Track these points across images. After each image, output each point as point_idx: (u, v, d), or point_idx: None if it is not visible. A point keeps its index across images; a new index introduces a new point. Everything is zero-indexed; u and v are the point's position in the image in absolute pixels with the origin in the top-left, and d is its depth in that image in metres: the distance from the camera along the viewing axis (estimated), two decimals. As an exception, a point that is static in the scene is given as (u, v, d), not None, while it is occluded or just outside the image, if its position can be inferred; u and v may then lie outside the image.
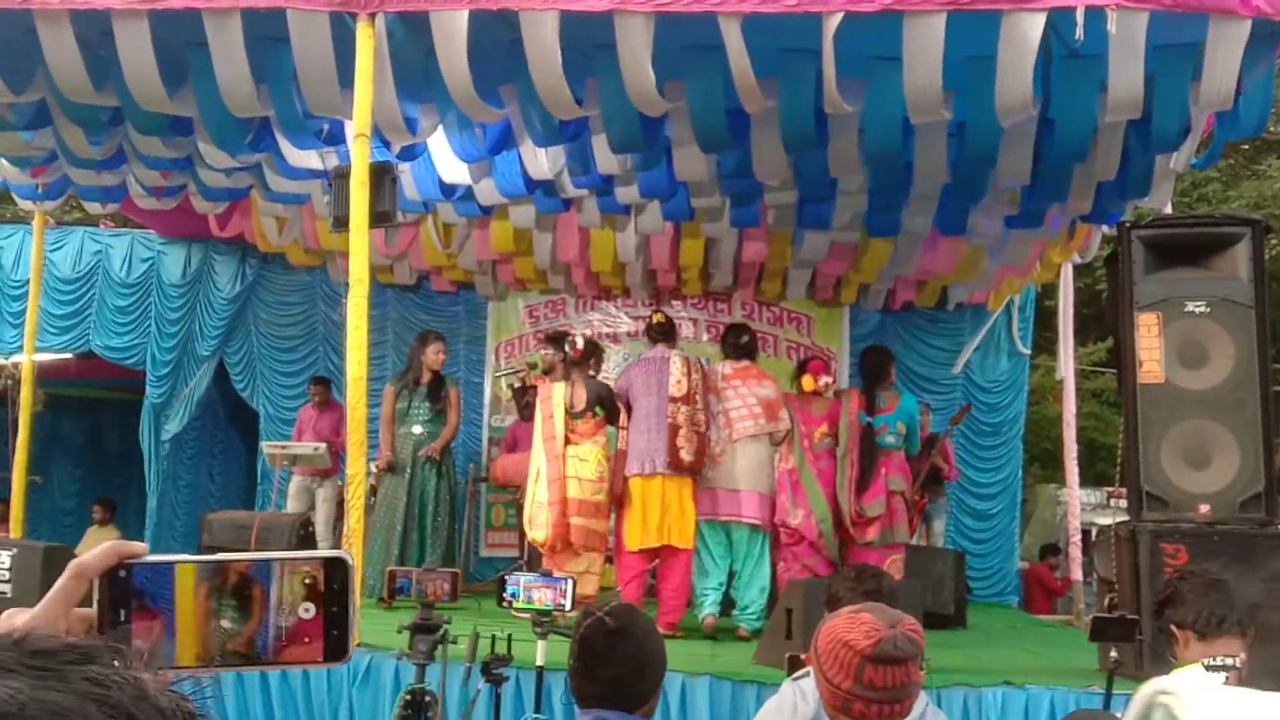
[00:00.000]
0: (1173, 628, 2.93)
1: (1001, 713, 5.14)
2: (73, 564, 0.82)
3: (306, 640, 0.84)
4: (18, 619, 0.80)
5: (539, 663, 4.05)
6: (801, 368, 7.52)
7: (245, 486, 11.23)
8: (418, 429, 8.11)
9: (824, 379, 7.28)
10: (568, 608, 3.54)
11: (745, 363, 6.97)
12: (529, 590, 3.52)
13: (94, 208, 8.68)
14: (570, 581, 3.56)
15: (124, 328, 10.35)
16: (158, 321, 10.26)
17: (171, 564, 0.84)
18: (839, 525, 7.01)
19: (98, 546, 0.84)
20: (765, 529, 6.73)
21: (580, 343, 6.83)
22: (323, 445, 8.67)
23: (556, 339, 7.74)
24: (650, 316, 7.17)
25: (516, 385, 7.66)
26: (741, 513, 6.65)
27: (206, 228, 9.43)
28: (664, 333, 6.88)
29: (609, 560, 7.06)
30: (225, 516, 7.85)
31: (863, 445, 7.16)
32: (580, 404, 6.64)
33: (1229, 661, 2.73)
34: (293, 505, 8.89)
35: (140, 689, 0.60)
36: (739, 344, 7.03)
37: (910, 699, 2.30)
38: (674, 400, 6.51)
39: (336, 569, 0.85)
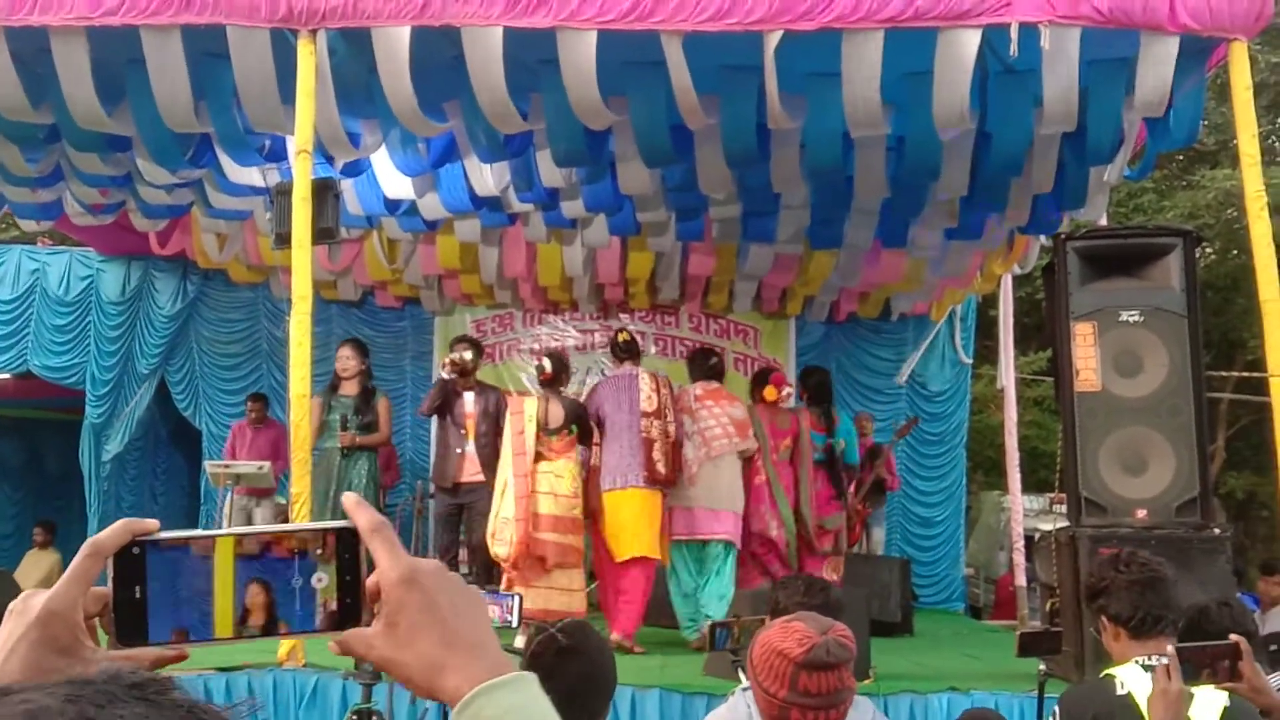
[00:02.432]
0: (1104, 619, 2.85)
1: (947, 718, 5.20)
2: (87, 543, 0.83)
3: (322, 609, 0.86)
4: (35, 599, 0.81)
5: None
6: (762, 379, 7.61)
7: (188, 507, 11.07)
8: (339, 443, 7.76)
9: (785, 389, 7.48)
10: (514, 624, 3.54)
11: (715, 384, 7.14)
12: (476, 607, 3.53)
13: (30, 225, 8.55)
14: (517, 598, 3.56)
15: (62, 347, 10.17)
16: (97, 340, 10.10)
17: (184, 539, 0.85)
18: (800, 535, 7.20)
19: (112, 525, 0.85)
20: (736, 545, 6.87)
21: (548, 365, 6.81)
22: (267, 464, 8.53)
23: (473, 342, 7.76)
24: (615, 335, 7.25)
25: (448, 377, 7.57)
26: (720, 531, 6.78)
27: (146, 245, 9.31)
28: (629, 350, 7.01)
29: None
30: (168, 538, 7.71)
31: (833, 463, 7.51)
32: (556, 421, 6.62)
33: (1165, 661, 2.71)
34: (230, 526, 8.69)
35: (214, 713, 0.66)
36: (709, 366, 7.21)
37: (844, 704, 2.35)
38: (646, 415, 6.62)
39: (346, 538, 0.88)
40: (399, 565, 0.84)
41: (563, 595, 6.48)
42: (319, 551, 0.87)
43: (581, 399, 7.20)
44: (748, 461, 7.09)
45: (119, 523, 0.85)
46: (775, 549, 7.08)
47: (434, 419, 9.12)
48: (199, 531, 0.87)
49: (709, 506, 6.78)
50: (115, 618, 0.84)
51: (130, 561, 0.84)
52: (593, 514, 6.64)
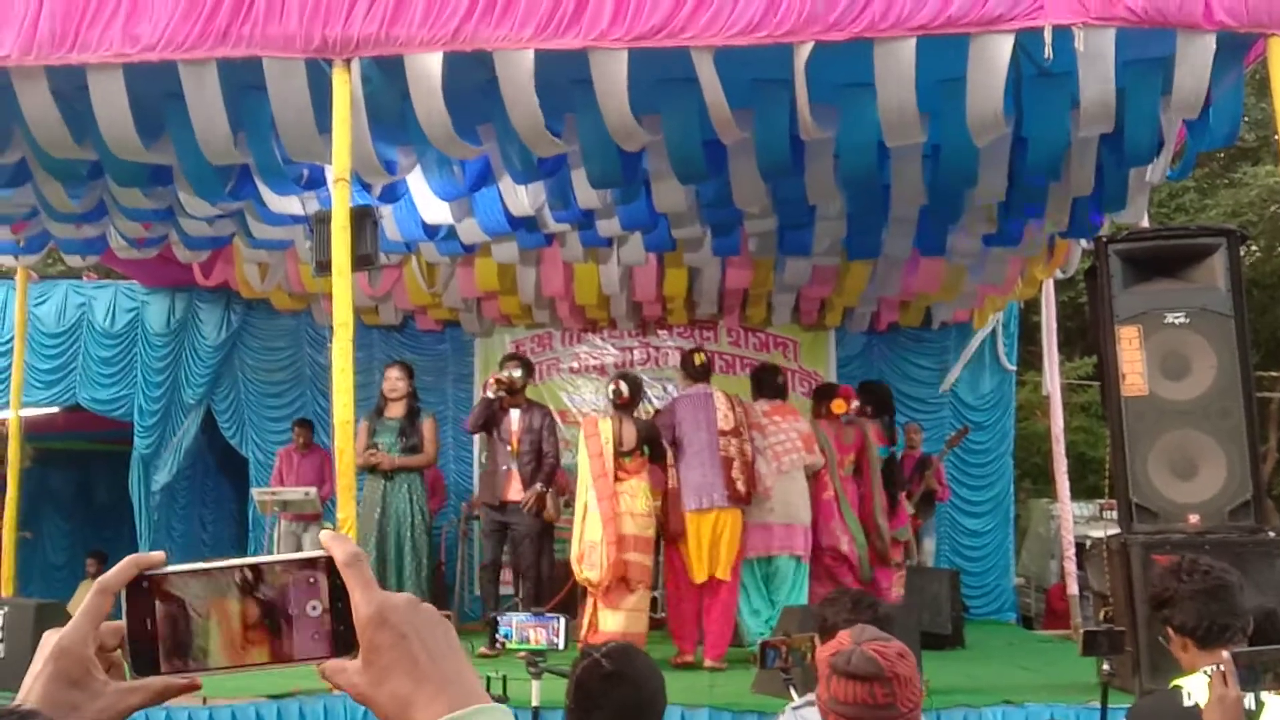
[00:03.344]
0: (1170, 630, 2.79)
1: (1002, 731, 5.13)
2: (97, 581, 0.87)
3: (316, 637, 0.88)
4: (53, 636, 0.87)
5: (534, 703, 4.03)
6: (828, 393, 7.82)
7: (237, 535, 11.17)
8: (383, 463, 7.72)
9: (854, 403, 7.67)
10: (560, 646, 3.53)
11: (778, 401, 7.32)
12: (522, 630, 3.52)
13: (76, 260, 8.69)
14: (562, 620, 3.56)
15: (110, 379, 10.31)
16: (143, 372, 10.23)
17: (186, 572, 0.88)
18: (870, 547, 7.38)
19: (119, 563, 0.88)
20: (807, 561, 7.01)
21: (625, 390, 6.87)
22: (313, 490, 8.59)
23: (523, 360, 7.79)
24: (691, 355, 7.30)
25: (492, 396, 7.56)
26: (793, 545, 6.94)
27: (190, 276, 9.43)
28: (705, 372, 7.13)
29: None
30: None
31: (891, 475, 7.82)
32: (630, 442, 6.70)
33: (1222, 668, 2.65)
34: (279, 552, 8.70)
35: None
36: (777, 385, 7.41)
37: None
38: (724, 434, 6.74)
39: (336, 567, 0.89)
40: (371, 604, 0.86)
41: (640, 618, 6.55)
42: (312, 580, 0.88)
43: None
44: (814, 477, 7.17)
45: (126, 559, 0.88)
46: (847, 561, 7.21)
47: (478, 439, 9.18)
48: (200, 564, 0.89)
49: (784, 521, 6.93)
50: (130, 649, 0.87)
51: (141, 595, 0.87)
52: (675, 535, 6.68)
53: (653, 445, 6.80)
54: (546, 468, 7.41)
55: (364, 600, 0.86)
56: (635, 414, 7.00)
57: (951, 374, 10.29)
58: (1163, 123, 5.86)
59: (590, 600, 6.64)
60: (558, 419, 9.74)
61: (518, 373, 7.52)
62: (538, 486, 7.33)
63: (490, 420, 7.54)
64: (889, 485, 7.79)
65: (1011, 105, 5.51)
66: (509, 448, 7.45)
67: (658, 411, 7.74)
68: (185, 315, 10.29)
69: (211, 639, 0.87)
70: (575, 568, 6.64)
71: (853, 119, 5.76)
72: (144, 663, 0.87)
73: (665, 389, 9.90)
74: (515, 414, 7.52)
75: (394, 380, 7.96)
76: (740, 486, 6.66)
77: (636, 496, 6.63)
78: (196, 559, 0.90)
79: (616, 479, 6.62)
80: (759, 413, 7.12)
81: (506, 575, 7.93)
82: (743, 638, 6.86)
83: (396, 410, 7.90)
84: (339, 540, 0.89)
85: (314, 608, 0.88)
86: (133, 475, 10.21)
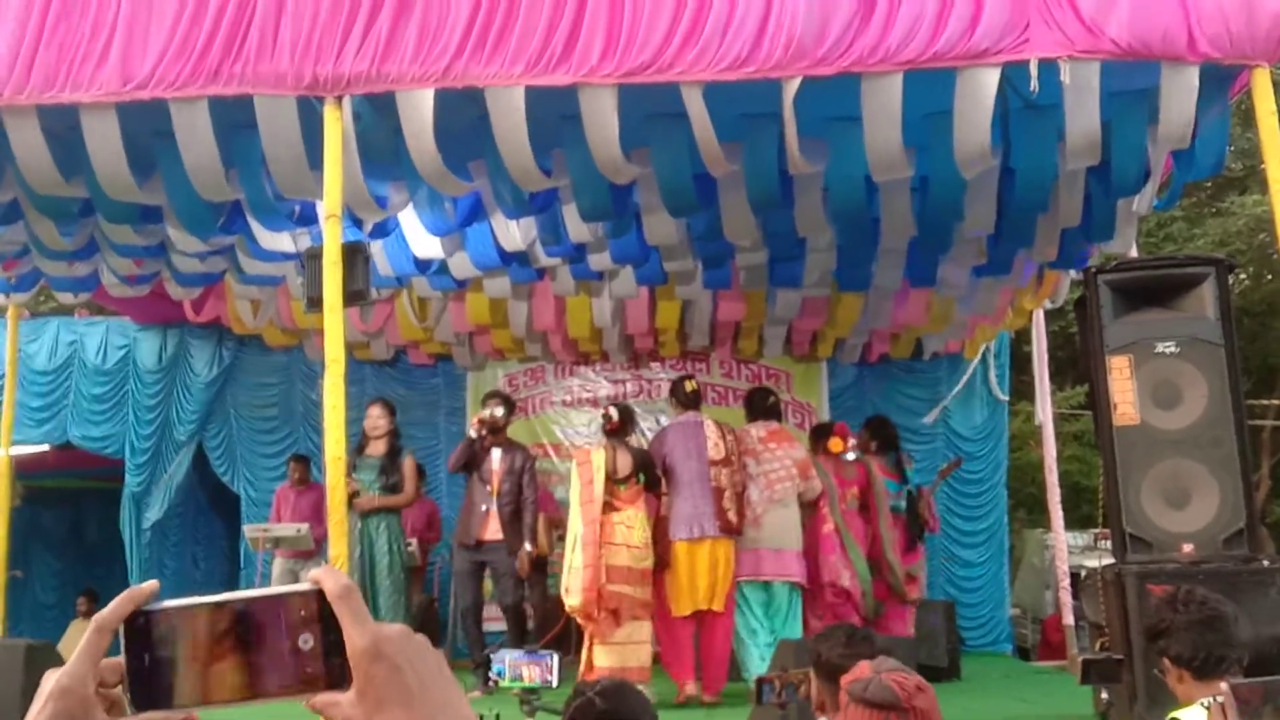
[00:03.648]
0: (1166, 661, 2.80)
1: (999, 765, 5.10)
2: (95, 618, 0.87)
3: (310, 670, 0.87)
4: (53, 676, 0.86)
5: (529, 740, 4.00)
6: (825, 432, 7.87)
7: (229, 572, 11.11)
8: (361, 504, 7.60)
9: (851, 440, 7.71)
10: (554, 684, 3.51)
11: (775, 425, 7.26)
12: (516, 668, 3.50)
13: (68, 297, 8.69)
14: (555, 657, 3.54)
15: (101, 416, 10.29)
16: (135, 409, 10.20)
17: (181, 607, 0.88)
18: (883, 584, 7.39)
19: (116, 598, 0.88)
20: (802, 586, 6.95)
21: (615, 415, 6.84)
22: (305, 526, 8.54)
23: (505, 398, 7.76)
24: (683, 384, 7.28)
25: (474, 436, 7.49)
26: (788, 572, 6.87)
27: (182, 313, 9.43)
28: (695, 400, 7.13)
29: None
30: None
31: (911, 510, 7.88)
32: (625, 470, 6.65)
33: (1220, 699, 2.64)
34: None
35: None
36: (768, 406, 7.33)
37: None
38: (714, 463, 6.71)
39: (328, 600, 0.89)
40: (364, 635, 0.86)
41: (637, 650, 6.48)
42: (304, 613, 0.88)
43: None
44: (813, 508, 7.11)
45: (122, 595, 0.88)
46: (850, 598, 7.14)
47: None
48: (195, 599, 0.89)
49: (774, 547, 6.86)
50: (129, 686, 0.87)
51: (138, 631, 0.87)
52: (661, 564, 6.63)
53: (647, 472, 6.77)
54: (529, 517, 7.34)
55: (358, 632, 0.86)
56: (629, 442, 6.97)
57: (936, 409, 10.30)
58: (1149, 153, 5.90)
59: (587, 638, 6.60)
60: (551, 451, 9.72)
61: (500, 410, 7.48)
62: (527, 548, 7.26)
63: (471, 460, 7.49)
64: (908, 520, 7.86)
65: (999, 138, 5.55)
66: (489, 488, 7.39)
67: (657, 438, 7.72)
68: (177, 352, 10.28)
69: (209, 673, 0.87)
70: (563, 597, 6.60)
71: (841, 153, 5.80)
72: (144, 698, 0.87)
73: (658, 421, 9.89)
74: (497, 454, 7.46)
75: (375, 418, 7.91)
76: (731, 516, 6.63)
77: (633, 528, 6.56)
78: (189, 596, 0.91)
79: (613, 508, 6.57)
80: (755, 438, 7.08)
81: (494, 612, 7.86)
82: (740, 667, 6.81)
83: (378, 448, 7.84)
84: (330, 573, 0.89)
85: (306, 641, 0.87)
86: (124, 513, 10.16)
